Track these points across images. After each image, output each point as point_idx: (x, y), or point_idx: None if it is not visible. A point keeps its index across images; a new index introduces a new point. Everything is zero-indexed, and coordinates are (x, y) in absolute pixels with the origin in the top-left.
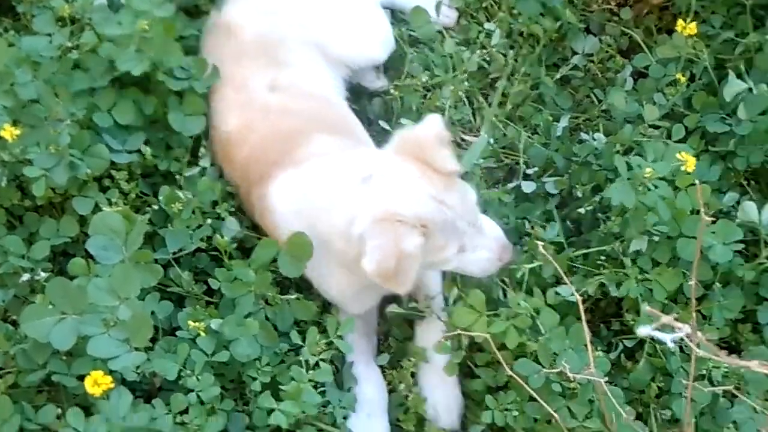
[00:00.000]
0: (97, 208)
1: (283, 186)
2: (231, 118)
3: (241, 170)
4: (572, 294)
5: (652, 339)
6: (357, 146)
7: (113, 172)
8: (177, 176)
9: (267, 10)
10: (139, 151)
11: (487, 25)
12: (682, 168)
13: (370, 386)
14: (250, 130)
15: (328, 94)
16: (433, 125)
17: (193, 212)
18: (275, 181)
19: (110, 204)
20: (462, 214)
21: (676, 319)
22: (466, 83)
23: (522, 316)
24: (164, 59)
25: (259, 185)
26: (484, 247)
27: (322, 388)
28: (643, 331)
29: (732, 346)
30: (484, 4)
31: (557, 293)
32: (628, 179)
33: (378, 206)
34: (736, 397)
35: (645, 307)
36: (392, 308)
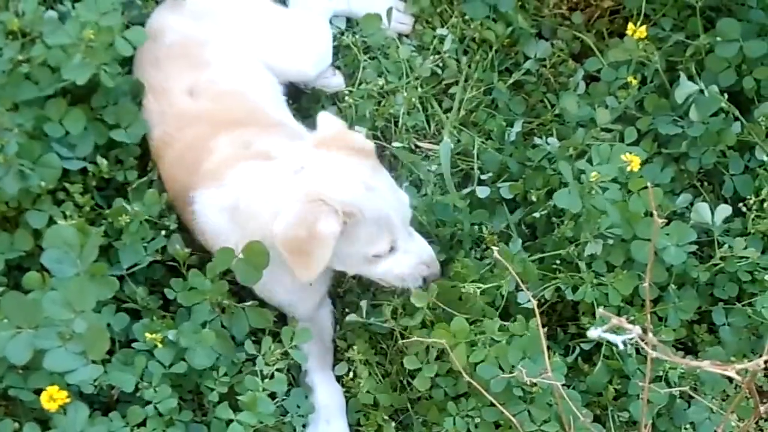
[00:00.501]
0: (51, 222)
1: (205, 205)
2: (153, 128)
3: (168, 182)
4: (528, 300)
5: (605, 341)
6: (263, 133)
7: (67, 185)
8: (127, 188)
9: (193, 14)
10: (92, 161)
11: (440, 31)
12: (629, 168)
13: (325, 392)
14: (166, 144)
15: (247, 89)
16: (331, 121)
17: (141, 224)
18: (197, 203)
19: (65, 217)
20: (394, 205)
21: (631, 322)
22: (419, 89)
23: (500, 344)
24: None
25: (184, 204)
26: (414, 253)
27: (283, 398)
28: (593, 333)
29: (688, 347)
30: (438, 9)
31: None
32: (579, 183)
33: (306, 189)
34: (693, 398)
35: (600, 311)
36: (352, 318)
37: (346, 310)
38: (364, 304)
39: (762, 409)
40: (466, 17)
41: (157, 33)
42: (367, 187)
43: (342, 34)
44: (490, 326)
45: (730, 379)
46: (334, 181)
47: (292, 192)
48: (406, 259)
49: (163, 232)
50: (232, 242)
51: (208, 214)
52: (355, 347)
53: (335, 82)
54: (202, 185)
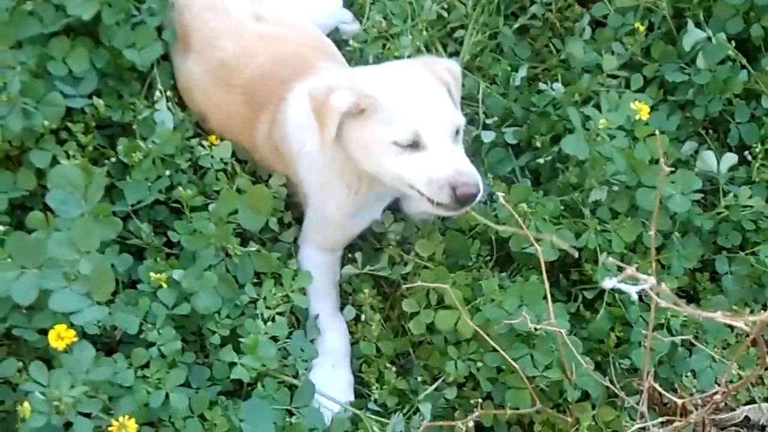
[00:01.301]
0: (54, 161)
1: (300, 96)
2: (225, 43)
3: (243, 93)
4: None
5: (615, 290)
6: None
7: (70, 125)
8: (134, 126)
9: None
10: (93, 96)
11: None
12: (638, 117)
13: (334, 336)
14: (251, 55)
15: (307, 24)
16: None
17: (153, 162)
18: (293, 93)
19: (68, 157)
20: (430, 110)
21: (636, 268)
22: (425, 32)
23: (502, 290)
24: (120, 4)
25: (270, 104)
26: (449, 158)
27: (286, 341)
28: (608, 283)
29: (690, 295)
30: None
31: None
32: (585, 129)
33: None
34: (694, 346)
35: (607, 259)
36: (350, 269)
37: (350, 254)
38: (359, 256)
39: None
40: None
41: None
42: (396, 81)
43: None
44: (489, 286)
45: (732, 328)
46: (371, 75)
47: None
48: (438, 161)
49: (168, 172)
50: (306, 139)
51: (299, 107)
52: (365, 291)
53: (354, 27)
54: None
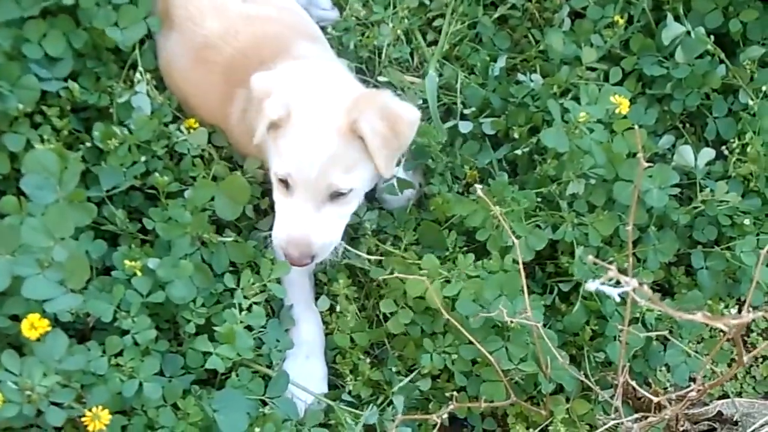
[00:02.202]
0: (28, 145)
1: (281, 75)
2: (209, 21)
3: (223, 72)
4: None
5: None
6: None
7: (44, 108)
8: (110, 109)
9: None
10: (70, 78)
11: None
12: (617, 111)
13: (308, 327)
14: (234, 33)
15: (294, 7)
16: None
17: (129, 149)
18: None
19: (42, 141)
20: (304, 159)
21: (610, 262)
22: (405, 21)
23: (474, 279)
24: None
25: (247, 83)
26: (284, 224)
27: (261, 330)
28: (591, 285)
29: (665, 289)
30: None
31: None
32: (564, 122)
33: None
34: (669, 340)
35: (586, 256)
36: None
37: None
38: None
39: (745, 359)
40: None
41: None
42: (312, 113)
43: None
44: (463, 262)
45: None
46: (305, 91)
47: None
48: (284, 219)
49: (144, 158)
50: None
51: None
52: (339, 281)
53: (332, 15)
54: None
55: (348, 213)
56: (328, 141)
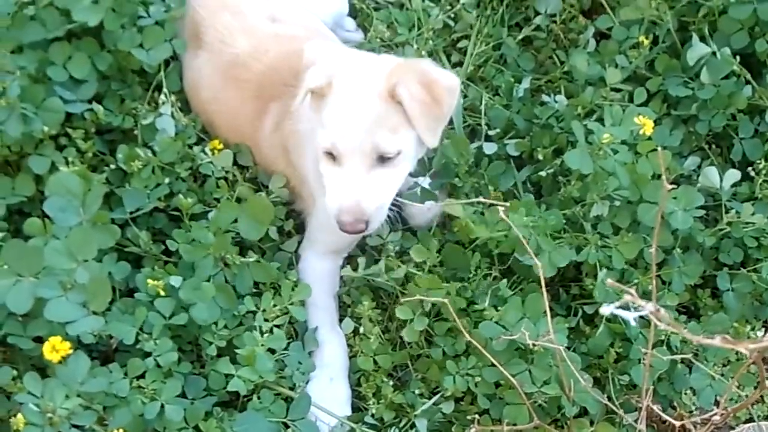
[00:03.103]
0: (53, 167)
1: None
2: (239, 41)
3: (254, 89)
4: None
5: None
6: None
7: (69, 130)
8: (135, 131)
9: None
10: (94, 100)
11: None
12: (641, 132)
13: (332, 349)
14: (264, 51)
15: (322, 28)
16: None
17: (153, 171)
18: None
19: (67, 163)
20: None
21: (635, 285)
22: (430, 42)
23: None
24: (125, 9)
25: (281, 95)
26: (337, 192)
27: (283, 353)
28: (606, 309)
29: (691, 311)
30: None
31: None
32: (588, 143)
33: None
34: (694, 363)
35: (605, 279)
36: (348, 271)
37: (348, 266)
38: (362, 260)
39: None
40: None
41: None
42: (354, 82)
43: None
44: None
45: None
46: (348, 64)
47: None
48: (336, 187)
49: (168, 180)
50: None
51: None
52: (364, 303)
53: (357, 36)
54: None
55: (398, 178)
56: (370, 105)
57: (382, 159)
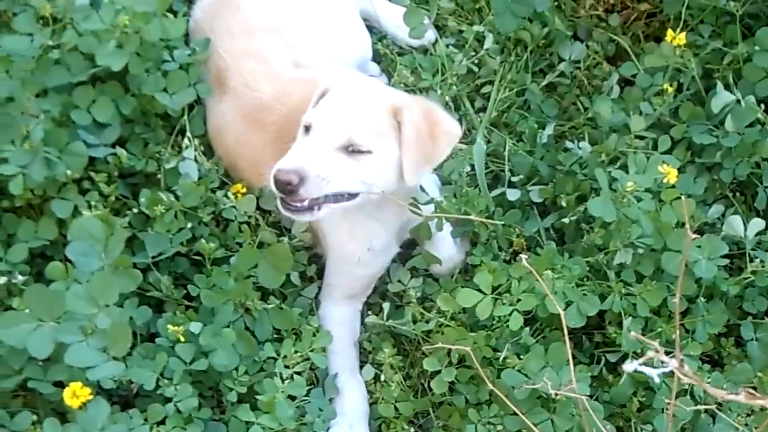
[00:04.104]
0: (76, 211)
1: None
2: (263, 85)
3: (277, 131)
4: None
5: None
6: None
7: (92, 174)
8: (158, 175)
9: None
10: (118, 143)
11: (476, 28)
12: (665, 180)
13: (352, 397)
14: (288, 94)
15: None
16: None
17: (176, 215)
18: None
19: (89, 207)
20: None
21: (659, 333)
22: (454, 87)
23: (525, 300)
24: (149, 53)
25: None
26: (290, 155)
27: (304, 399)
28: (629, 366)
29: (715, 360)
30: (477, 6)
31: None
32: (612, 191)
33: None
34: (718, 413)
35: (630, 327)
36: (373, 319)
37: (369, 312)
38: (386, 306)
39: None
40: None
41: (241, 3)
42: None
43: (376, 42)
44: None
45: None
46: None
47: None
48: (291, 151)
49: (190, 224)
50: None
51: None
52: (385, 351)
53: (381, 81)
54: None
55: (357, 174)
56: (366, 105)
57: (351, 150)
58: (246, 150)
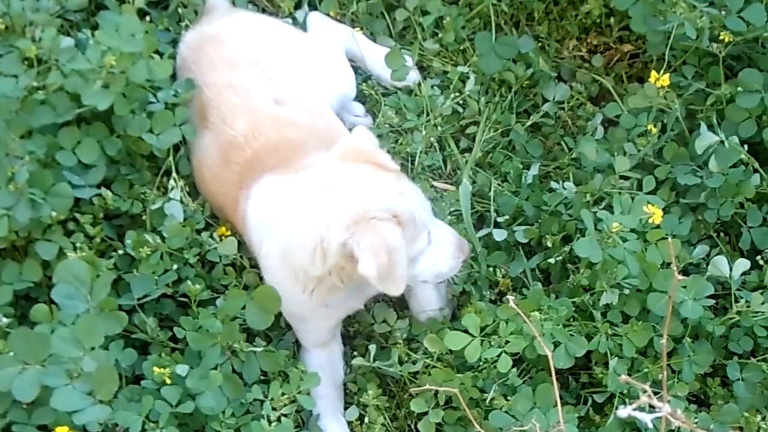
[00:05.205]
0: (61, 253)
1: (262, 191)
2: (238, 121)
3: (239, 173)
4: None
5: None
6: None
7: (77, 215)
8: (143, 216)
9: (250, 30)
10: (103, 184)
11: (461, 68)
12: (650, 220)
13: None
14: (257, 134)
15: (323, 110)
16: (365, 135)
17: (161, 257)
18: (257, 184)
19: (75, 249)
20: (421, 203)
21: (645, 374)
22: (438, 128)
23: (513, 341)
24: (135, 94)
25: (247, 189)
26: (446, 241)
27: None
28: (623, 412)
29: (701, 400)
30: (461, 47)
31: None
32: (597, 231)
33: (345, 210)
34: None
35: (620, 368)
36: (359, 360)
37: (355, 353)
38: (372, 348)
39: None
40: None
41: (225, 38)
42: (398, 192)
43: (361, 83)
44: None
45: None
46: (368, 193)
47: (327, 212)
48: (443, 250)
49: (176, 266)
50: (263, 238)
51: (258, 203)
52: (369, 392)
53: (365, 121)
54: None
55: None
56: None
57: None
58: (219, 188)
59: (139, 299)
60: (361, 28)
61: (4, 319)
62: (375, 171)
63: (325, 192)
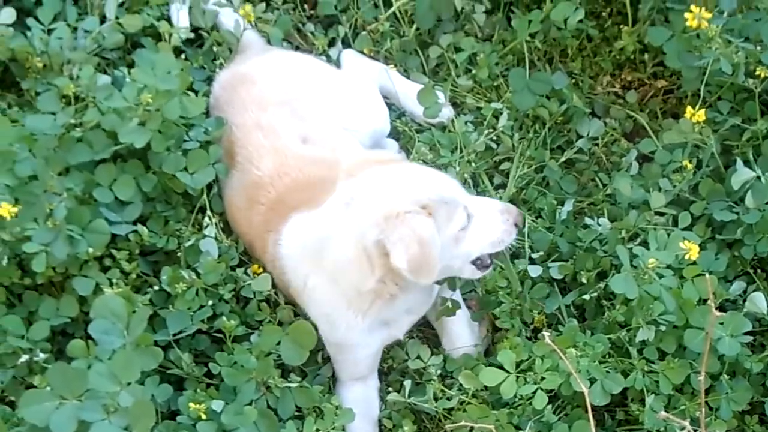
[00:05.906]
0: (97, 288)
1: (293, 227)
2: (264, 162)
3: (264, 215)
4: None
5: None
6: None
7: (114, 252)
8: (178, 253)
9: (282, 69)
10: (139, 221)
11: (494, 105)
12: (686, 257)
13: None
14: (283, 174)
15: (355, 147)
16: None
17: (197, 293)
18: (286, 226)
19: (111, 284)
20: (446, 180)
21: (682, 411)
22: (472, 164)
23: (549, 378)
24: (170, 131)
25: (276, 231)
26: (489, 209)
27: None
28: None
29: None
30: (495, 83)
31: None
32: (633, 267)
33: (375, 211)
34: None
35: (657, 405)
36: (394, 396)
37: (390, 389)
38: (407, 383)
39: None
40: None
41: (256, 77)
42: (417, 177)
43: (395, 120)
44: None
45: None
46: (391, 190)
47: (352, 220)
48: (489, 218)
49: (211, 302)
50: (305, 274)
51: (290, 238)
52: (404, 428)
53: (399, 158)
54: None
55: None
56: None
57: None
58: (247, 228)
59: (174, 335)
60: (395, 65)
61: (42, 355)
62: (387, 168)
63: (352, 205)
